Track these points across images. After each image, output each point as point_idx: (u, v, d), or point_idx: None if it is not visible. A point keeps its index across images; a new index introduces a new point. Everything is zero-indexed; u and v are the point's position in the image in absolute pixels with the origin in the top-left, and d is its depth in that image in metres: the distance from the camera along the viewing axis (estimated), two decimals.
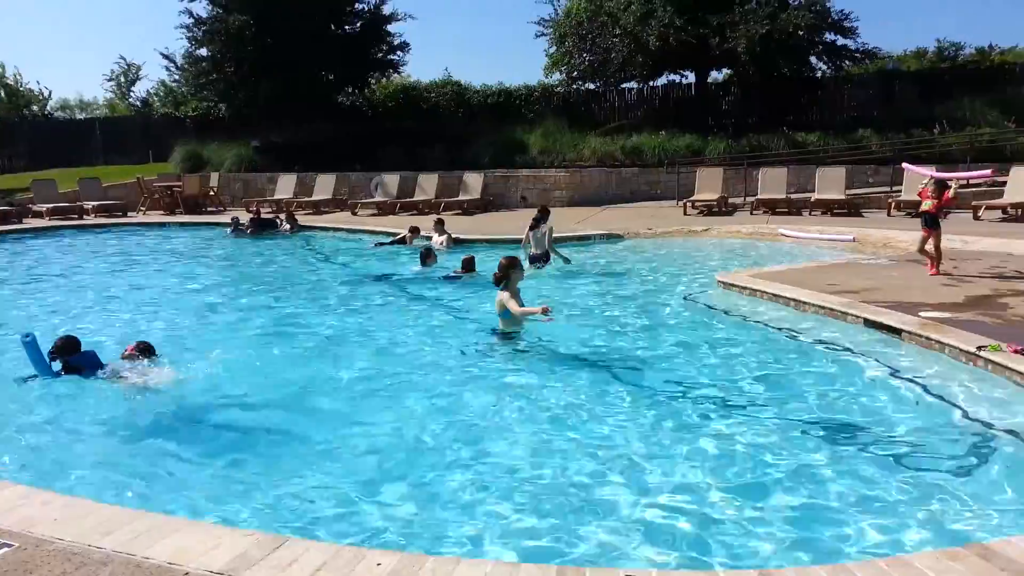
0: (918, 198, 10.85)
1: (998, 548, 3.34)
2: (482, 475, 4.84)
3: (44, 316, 9.81)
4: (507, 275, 7.55)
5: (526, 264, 11.36)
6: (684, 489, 4.57)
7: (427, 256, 12.28)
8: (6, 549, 3.31)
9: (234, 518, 4.22)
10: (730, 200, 18.71)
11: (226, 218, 19.05)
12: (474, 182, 21.64)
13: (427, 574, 3.17)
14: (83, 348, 6.76)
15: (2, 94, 41.75)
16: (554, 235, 12.24)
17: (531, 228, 12.12)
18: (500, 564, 3.44)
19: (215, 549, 3.34)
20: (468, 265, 11.30)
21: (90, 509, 3.77)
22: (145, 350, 6.82)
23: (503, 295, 7.52)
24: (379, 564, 3.22)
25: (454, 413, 5.96)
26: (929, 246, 9.78)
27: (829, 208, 17.08)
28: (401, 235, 15.17)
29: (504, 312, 7.55)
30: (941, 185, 9.91)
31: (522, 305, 7.54)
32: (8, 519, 3.57)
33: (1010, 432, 5.17)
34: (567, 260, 11.97)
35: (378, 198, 21.90)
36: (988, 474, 4.67)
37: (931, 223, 9.73)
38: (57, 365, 6.60)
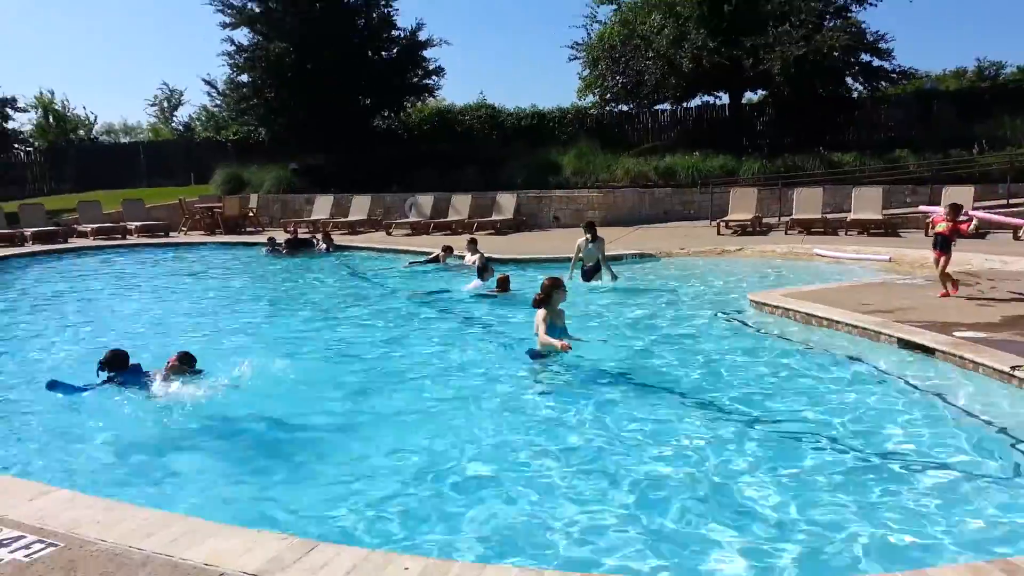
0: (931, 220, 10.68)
1: (1023, 564, 3.31)
2: (513, 487, 4.90)
3: (88, 330, 10.11)
4: (548, 295, 7.60)
5: (577, 280, 11.47)
6: (724, 504, 4.60)
7: (484, 270, 12.38)
8: (53, 548, 3.46)
9: (269, 522, 4.33)
10: (764, 220, 18.61)
11: (263, 238, 19.46)
12: (507, 202, 21.83)
13: None
14: (130, 360, 6.98)
15: (51, 119, 43.21)
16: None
17: (588, 240, 12.19)
18: (526, 570, 3.50)
19: (249, 552, 3.43)
20: (503, 284, 11.42)
21: (131, 513, 3.90)
22: (186, 360, 7.01)
23: (538, 315, 7.57)
24: (407, 568, 3.29)
25: (488, 428, 6.03)
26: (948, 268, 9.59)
27: (865, 228, 16.90)
28: (435, 254, 15.35)
29: None
30: (956, 208, 9.75)
31: (555, 331, 7.46)
32: (55, 521, 3.72)
33: None
34: (615, 277, 12.01)
35: (412, 218, 22.18)
36: (1018, 490, 4.63)
37: (943, 245, 9.53)
38: (103, 375, 6.80)
